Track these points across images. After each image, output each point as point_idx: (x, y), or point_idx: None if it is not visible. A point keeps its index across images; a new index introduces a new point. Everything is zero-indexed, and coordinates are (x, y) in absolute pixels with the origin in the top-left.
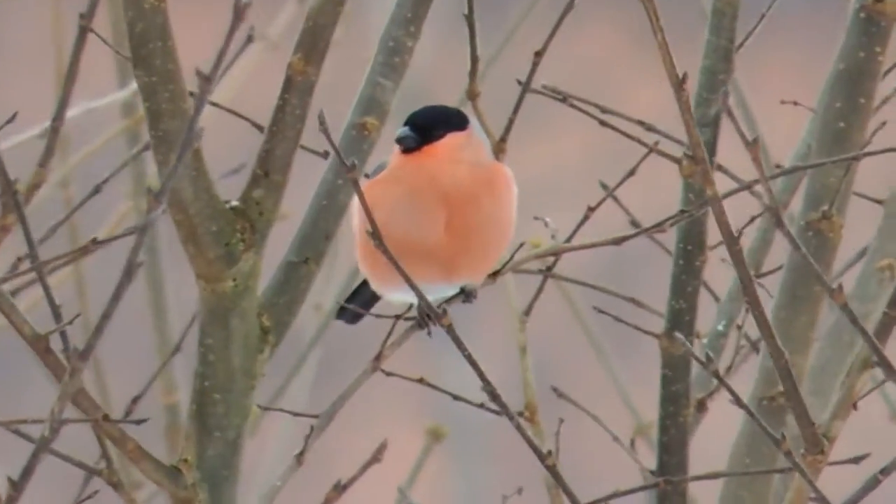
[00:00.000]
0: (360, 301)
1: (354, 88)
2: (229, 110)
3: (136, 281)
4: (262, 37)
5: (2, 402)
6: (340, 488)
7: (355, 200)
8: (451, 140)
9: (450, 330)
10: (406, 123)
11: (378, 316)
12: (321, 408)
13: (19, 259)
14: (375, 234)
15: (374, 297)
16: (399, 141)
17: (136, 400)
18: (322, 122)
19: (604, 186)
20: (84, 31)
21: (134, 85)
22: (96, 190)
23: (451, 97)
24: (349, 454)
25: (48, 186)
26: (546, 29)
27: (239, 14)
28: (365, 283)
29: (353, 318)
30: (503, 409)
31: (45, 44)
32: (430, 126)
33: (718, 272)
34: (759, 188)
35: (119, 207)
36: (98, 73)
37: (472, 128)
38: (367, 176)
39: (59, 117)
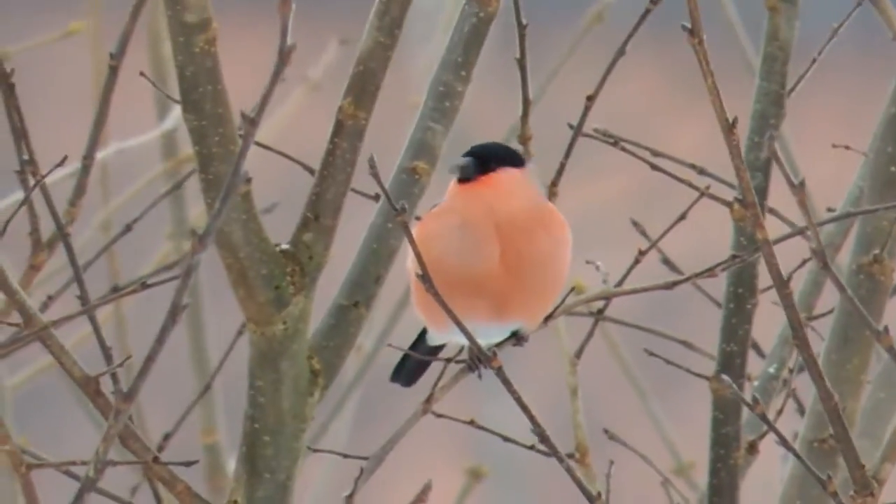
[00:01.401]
0: (412, 363)
1: (396, 131)
2: (278, 152)
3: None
4: (304, 78)
5: (41, 442)
6: None
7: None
8: (507, 175)
9: (500, 372)
10: (465, 155)
11: (430, 359)
12: (361, 448)
13: (50, 298)
14: (426, 278)
15: (426, 361)
16: (456, 169)
17: (167, 437)
18: (372, 166)
19: (636, 225)
20: (114, 71)
21: (172, 122)
22: (128, 228)
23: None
24: (391, 494)
25: (91, 230)
26: (582, 69)
27: (284, 58)
28: (415, 343)
29: (407, 381)
30: (554, 452)
31: (87, 85)
32: (487, 158)
33: (769, 315)
34: (810, 234)
35: (160, 248)
36: (137, 113)
37: (529, 169)
38: (417, 219)
39: (89, 155)
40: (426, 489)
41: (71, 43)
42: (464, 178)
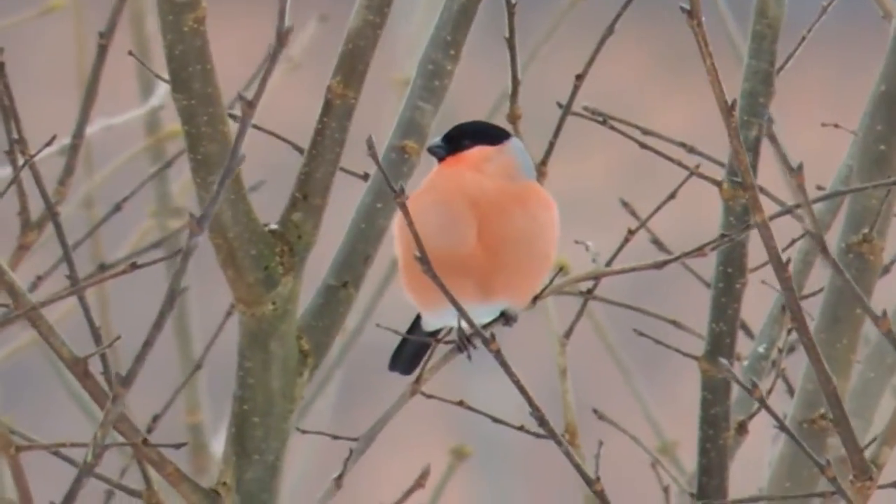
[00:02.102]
0: (409, 350)
1: (377, 107)
2: (267, 131)
3: (157, 300)
4: (285, 55)
5: (22, 421)
6: None
7: (397, 223)
8: (478, 152)
9: (498, 355)
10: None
11: (417, 338)
12: (345, 427)
13: (39, 278)
14: (424, 259)
15: (423, 348)
16: (428, 150)
17: (156, 418)
18: (371, 147)
19: (625, 205)
20: (103, 50)
21: (158, 100)
22: (117, 208)
23: (483, 118)
24: (377, 474)
25: (72, 206)
26: (568, 48)
27: (282, 39)
28: (411, 329)
29: (406, 368)
30: (552, 435)
31: (69, 62)
32: (458, 136)
33: (758, 295)
34: (800, 212)
35: (142, 225)
36: (120, 89)
37: (510, 146)
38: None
39: (78, 135)
40: (424, 474)
41: (49, 19)
42: (437, 158)
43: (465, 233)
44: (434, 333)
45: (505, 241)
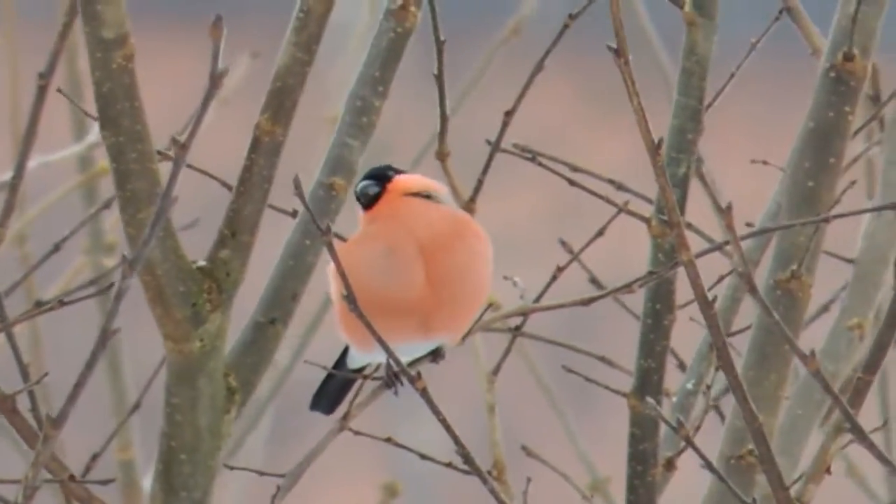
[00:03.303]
0: (333, 387)
1: (308, 144)
2: (199, 170)
3: (89, 336)
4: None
5: None
6: None
7: (331, 264)
8: (403, 177)
9: (424, 393)
10: (357, 184)
11: (353, 376)
12: (277, 464)
13: None
14: (350, 299)
15: (347, 386)
16: (362, 193)
17: (95, 457)
18: (297, 186)
19: (563, 244)
20: (43, 90)
21: (90, 138)
22: (56, 248)
23: (411, 155)
24: None
25: (4, 243)
26: (499, 86)
27: (216, 82)
28: (336, 366)
29: (329, 407)
30: (478, 473)
31: (1, 97)
32: (381, 173)
33: (686, 330)
34: (729, 249)
35: (74, 262)
36: (53, 126)
37: (411, 177)
38: (337, 236)
39: (18, 175)
40: None
41: None
42: (369, 199)
43: (417, 279)
44: (360, 370)
45: (449, 279)
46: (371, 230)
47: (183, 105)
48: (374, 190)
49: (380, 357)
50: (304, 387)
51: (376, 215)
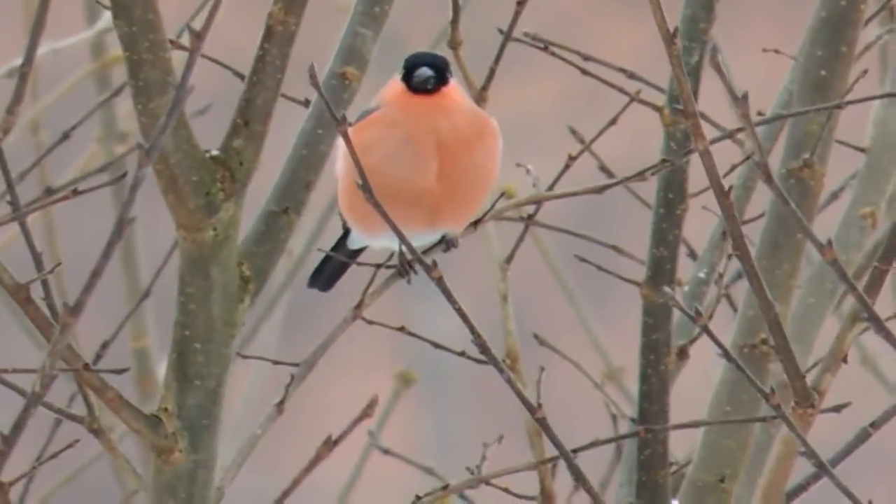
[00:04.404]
0: (331, 267)
1: (324, 35)
2: (212, 59)
3: (103, 224)
4: None
5: None
6: (331, 444)
7: (340, 145)
8: (456, 91)
9: (440, 282)
10: (416, 65)
11: (358, 264)
12: (291, 353)
13: None
14: (366, 187)
15: (344, 266)
16: (422, 82)
17: (105, 345)
18: (313, 76)
19: (573, 132)
20: None
21: (101, 24)
22: (65, 136)
23: (423, 44)
24: (321, 400)
25: (17, 131)
26: None
27: None
28: (336, 247)
29: (325, 285)
30: (494, 363)
31: None
32: (443, 69)
33: (697, 219)
34: (743, 137)
35: (87, 149)
36: (65, 12)
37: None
38: (349, 124)
39: (27, 63)
40: (372, 404)
41: None
42: (423, 90)
43: (428, 171)
44: (358, 252)
45: (464, 177)
46: (395, 115)
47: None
48: (432, 85)
49: (382, 242)
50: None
51: (410, 105)
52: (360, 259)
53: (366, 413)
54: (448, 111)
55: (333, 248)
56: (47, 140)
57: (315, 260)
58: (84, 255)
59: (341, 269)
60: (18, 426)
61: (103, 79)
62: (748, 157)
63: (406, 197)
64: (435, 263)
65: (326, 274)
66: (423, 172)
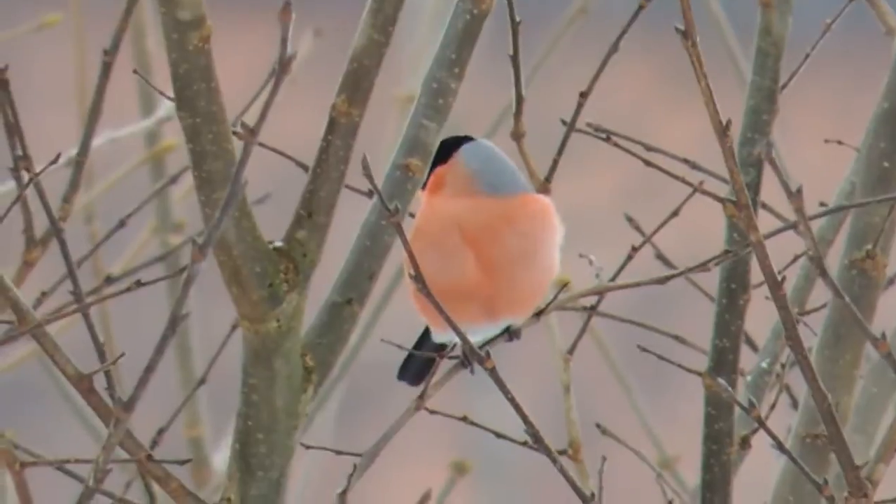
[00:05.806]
0: (416, 361)
1: (380, 124)
2: (271, 148)
3: (157, 311)
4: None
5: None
6: None
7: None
8: (433, 179)
9: (493, 373)
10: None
11: (421, 354)
12: (347, 442)
13: (43, 294)
14: (418, 278)
15: (430, 360)
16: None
17: (161, 432)
18: (366, 167)
19: (630, 220)
20: (108, 67)
21: (157, 114)
22: (121, 224)
23: (482, 129)
24: (378, 490)
25: (72, 220)
26: (573, 65)
27: (284, 66)
28: (421, 341)
29: (415, 379)
30: (547, 453)
31: (68, 75)
32: (443, 148)
33: (760, 310)
34: (801, 230)
35: (140, 237)
36: (120, 101)
37: (460, 156)
38: (412, 216)
39: (83, 152)
40: (425, 498)
41: (42, 36)
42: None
43: (463, 266)
44: (442, 346)
45: (500, 263)
46: (419, 223)
47: (254, 79)
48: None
49: (452, 336)
50: (374, 365)
51: (425, 208)
52: (427, 347)
53: None
54: (451, 204)
55: (418, 342)
56: (101, 229)
57: (371, 349)
58: (138, 343)
59: (429, 362)
60: None
61: (157, 167)
62: (810, 258)
63: (457, 294)
64: (488, 354)
65: (414, 367)
66: (459, 269)
